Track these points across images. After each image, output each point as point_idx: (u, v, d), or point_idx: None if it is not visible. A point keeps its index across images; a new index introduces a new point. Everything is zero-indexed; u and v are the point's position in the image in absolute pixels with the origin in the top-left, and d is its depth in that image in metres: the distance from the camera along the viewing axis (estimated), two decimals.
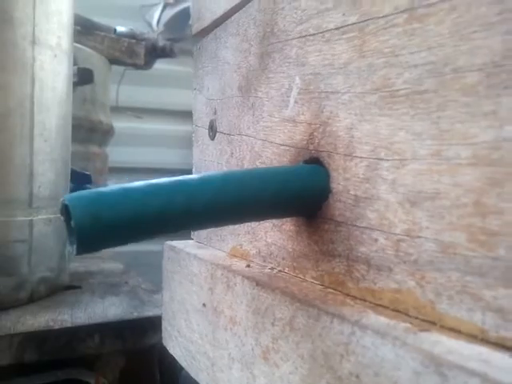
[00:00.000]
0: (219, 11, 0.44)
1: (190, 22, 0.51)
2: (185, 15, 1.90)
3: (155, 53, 1.58)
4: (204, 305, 0.40)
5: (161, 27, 1.92)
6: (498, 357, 0.18)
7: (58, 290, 0.86)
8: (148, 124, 2.01)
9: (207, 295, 0.39)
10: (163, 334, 0.51)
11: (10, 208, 0.75)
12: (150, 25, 1.94)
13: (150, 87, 1.99)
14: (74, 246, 0.26)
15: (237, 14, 0.41)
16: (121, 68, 1.63)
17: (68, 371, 0.73)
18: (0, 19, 0.75)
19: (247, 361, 0.33)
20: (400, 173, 0.24)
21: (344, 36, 0.28)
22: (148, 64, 1.56)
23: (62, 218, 0.27)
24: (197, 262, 0.42)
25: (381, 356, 0.21)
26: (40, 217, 0.79)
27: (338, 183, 0.29)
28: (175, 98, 2.05)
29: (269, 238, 0.36)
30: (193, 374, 0.43)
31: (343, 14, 0.28)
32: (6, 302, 0.75)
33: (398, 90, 0.24)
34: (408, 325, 0.22)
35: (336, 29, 0.29)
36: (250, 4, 0.39)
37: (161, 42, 1.61)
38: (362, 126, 0.27)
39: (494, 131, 0.20)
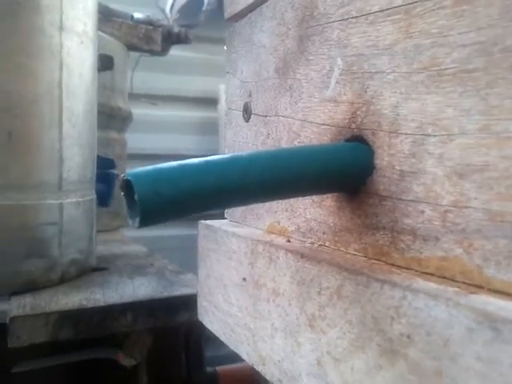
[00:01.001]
0: None
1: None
2: (197, 2, 1.90)
3: (171, 39, 1.59)
4: (244, 279, 0.42)
5: (174, 14, 1.92)
6: None
7: (87, 271, 0.88)
8: (162, 111, 2.03)
9: (247, 270, 0.41)
10: (199, 310, 0.53)
11: (41, 191, 0.77)
12: (163, 11, 1.94)
13: (163, 74, 2.00)
14: (137, 219, 0.28)
15: None
16: (135, 55, 1.64)
17: (99, 350, 0.75)
18: (28, 6, 0.76)
19: (292, 329, 0.34)
20: (447, 147, 0.25)
21: (389, 18, 0.30)
22: (165, 50, 1.57)
23: (121, 193, 0.29)
24: (235, 239, 0.44)
25: (434, 316, 0.23)
26: (69, 200, 0.81)
27: (382, 159, 0.30)
28: (189, 84, 2.07)
29: (308, 214, 0.38)
30: (232, 347, 0.45)
31: None
32: (39, 282, 0.77)
33: (445, 69, 0.26)
34: (456, 289, 0.24)
35: (381, 11, 0.30)
36: None
37: (176, 29, 1.62)
38: (407, 104, 0.28)
39: None
